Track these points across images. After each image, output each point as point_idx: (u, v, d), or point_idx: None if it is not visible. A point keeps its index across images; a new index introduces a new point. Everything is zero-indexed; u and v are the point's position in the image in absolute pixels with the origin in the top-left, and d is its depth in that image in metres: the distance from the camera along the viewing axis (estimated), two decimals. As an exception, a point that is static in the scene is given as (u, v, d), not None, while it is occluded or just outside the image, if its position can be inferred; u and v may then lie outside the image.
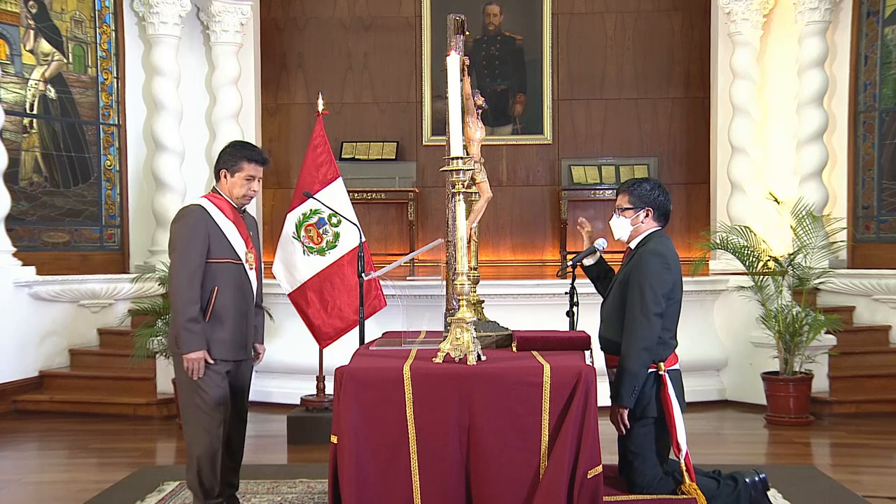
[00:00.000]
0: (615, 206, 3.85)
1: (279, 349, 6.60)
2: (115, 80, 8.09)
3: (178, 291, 3.70)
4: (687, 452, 3.62)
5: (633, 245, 3.80)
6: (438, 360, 3.21)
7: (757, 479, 3.76)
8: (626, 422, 3.62)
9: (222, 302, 3.77)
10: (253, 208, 8.53)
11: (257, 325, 4.09)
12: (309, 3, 9.43)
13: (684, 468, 3.61)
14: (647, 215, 3.79)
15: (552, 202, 9.26)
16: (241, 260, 3.85)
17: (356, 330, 5.38)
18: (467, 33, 3.94)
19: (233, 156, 3.84)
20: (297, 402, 6.11)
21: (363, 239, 5.48)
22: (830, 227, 7.08)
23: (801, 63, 7.64)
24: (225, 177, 3.85)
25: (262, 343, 4.19)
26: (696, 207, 9.11)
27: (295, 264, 5.86)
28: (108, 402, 6.78)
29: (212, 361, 3.75)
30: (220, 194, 3.87)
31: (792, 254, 6.63)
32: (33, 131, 7.45)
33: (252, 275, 3.92)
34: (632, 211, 3.78)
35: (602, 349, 3.81)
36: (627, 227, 3.81)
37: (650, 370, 3.61)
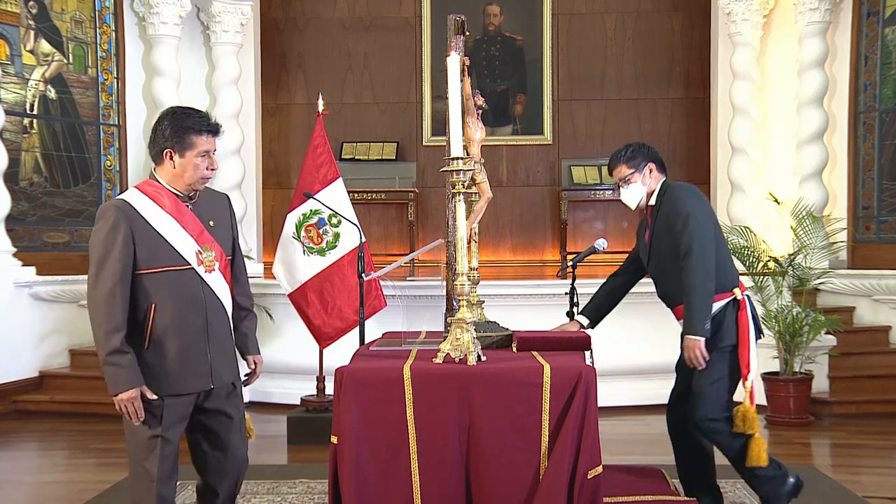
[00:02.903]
0: (616, 184, 3.89)
1: (279, 349, 6.60)
2: (115, 80, 8.09)
3: (93, 320, 2.94)
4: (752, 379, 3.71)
5: (652, 202, 3.84)
6: (438, 360, 3.21)
7: (796, 480, 3.84)
8: (705, 352, 3.62)
9: (163, 322, 2.96)
10: (253, 208, 8.56)
11: (246, 333, 3.29)
12: (309, 3, 9.43)
13: (748, 393, 3.69)
14: (650, 171, 3.83)
15: (552, 202, 9.26)
16: (187, 264, 3.00)
17: (356, 330, 5.38)
18: (467, 34, 3.94)
19: (177, 130, 3.02)
20: (297, 402, 6.11)
21: (363, 239, 5.49)
22: (830, 228, 7.08)
23: (801, 63, 7.64)
24: (170, 158, 3.02)
25: (258, 352, 3.34)
26: (697, 208, 9.10)
27: (295, 264, 5.86)
28: (108, 403, 6.63)
29: (153, 397, 2.97)
30: (157, 181, 3.05)
31: (792, 254, 6.63)
32: (33, 131, 7.45)
33: (213, 278, 3.07)
34: (636, 174, 3.81)
35: (668, 306, 3.87)
36: (640, 190, 3.83)
37: (727, 298, 3.69)
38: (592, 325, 4.02)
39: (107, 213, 2.95)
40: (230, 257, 3.20)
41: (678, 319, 3.80)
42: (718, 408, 3.68)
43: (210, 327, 3.06)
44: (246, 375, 3.31)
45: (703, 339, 3.59)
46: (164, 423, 2.99)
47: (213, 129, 3.07)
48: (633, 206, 3.87)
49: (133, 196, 3.01)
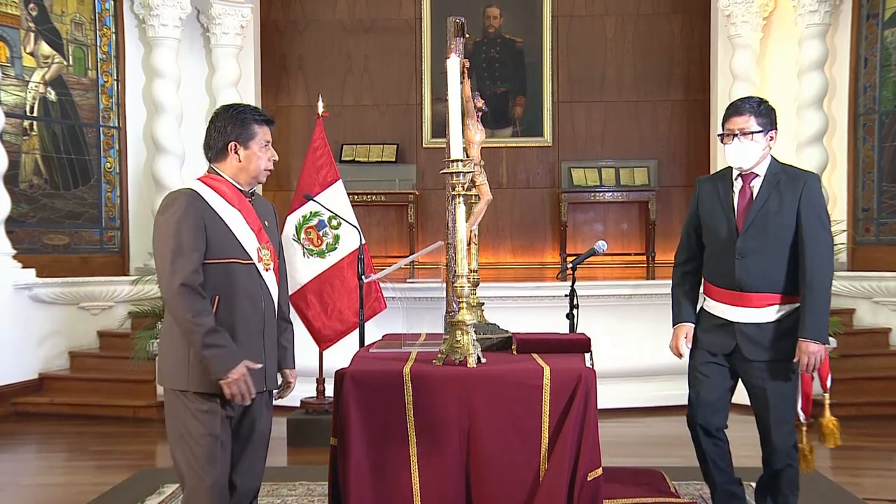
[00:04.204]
0: (731, 131, 3.40)
1: (279, 351, 6.59)
2: (115, 82, 8.09)
3: (177, 309, 2.78)
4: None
5: (759, 171, 3.44)
6: (438, 362, 3.21)
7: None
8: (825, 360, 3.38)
9: (226, 315, 2.88)
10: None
11: (285, 345, 3.18)
12: (309, 5, 9.44)
13: (828, 404, 3.55)
14: (772, 139, 3.45)
15: (552, 204, 9.26)
16: (250, 259, 2.95)
17: (356, 332, 5.38)
18: (467, 36, 3.94)
19: (240, 122, 2.99)
20: (297, 404, 6.10)
21: (363, 241, 5.49)
22: (830, 230, 7.07)
23: (800, 65, 7.64)
24: (236, 151, 2.99)
25: (294, 366, 3.22)
26: (696, 210, 9.10)
27: (295, 266, 5.86)
28: (107, 405, 6.77)
29: (258, 366, 2.89)
30: (219, 175, 3.02)
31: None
32: (33, 133, 7.46)
33: (269, 278, 3.03)
34: (761, 135, 3.40)
35: (738, 288, 3.43)
36: (757, 152, 3.41)
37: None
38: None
39: (177, 201, 2.90)
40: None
41: (739, 306, 3.44)
42: (793, 427, 3.46)
43: (266, 327, 3.03)
44: (278, 388, 3.19)
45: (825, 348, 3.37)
46: (222, 425, 2.89)
47: (270, 120, 3.07)
48: (740, 164, 3.42)
49: (199, 186, 2.97)
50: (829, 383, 3.56)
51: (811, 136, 7.55)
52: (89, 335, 7.49)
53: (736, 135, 3.40)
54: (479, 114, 3.88)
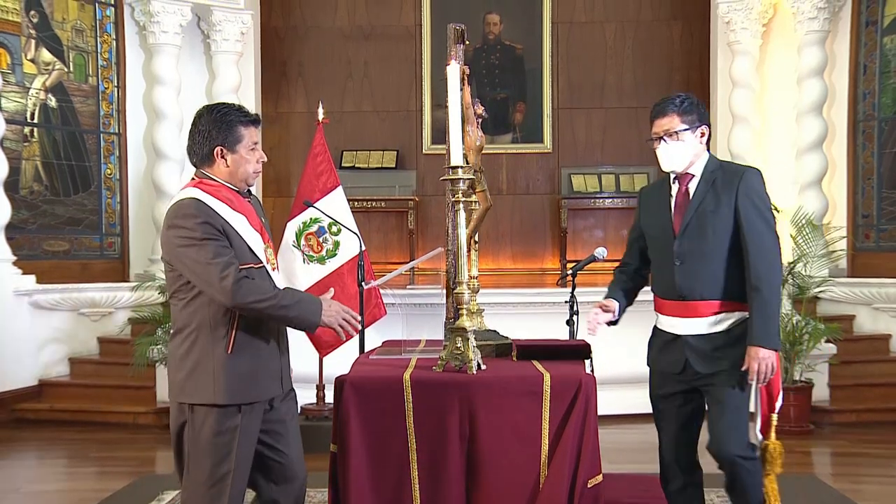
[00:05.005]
0: (657, 135, 3.24)
1: (279, 358, 6.59)
2: (115, 88, 8.10)
3: (247, 299, 2.71)
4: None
5: (695, 172, 3.23)
6: (438, 368, 3.21)
7: None
8: (776, 368, 3.11)
9: (249, 323, 2.81)
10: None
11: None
12: (309, 12, 9.46)
13: (774, 423, 3.31)
14: (703, 135, 3.24)
15: (552, 211, 9.27)
16: (261, 262, 2.87)
17: (356, 338, 5.38)
18: (467, 42, 3.95)
19: (225, 125, 2.84)
20: (297, 410, 6.09)
21: (363, 247, 5.49)
22: (830, 236, 7.08)
23: (800, 72, 7.65)
24: (222, 157, 2.84)
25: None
26: (696, 216, 9.11)
27: (294, 273, 5.86)
28: (107, 411, 6.77)
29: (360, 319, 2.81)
30: (213, 180, 2.86)
31: (792, 262, 6.63)
32: (34, 140, 7.46)
33: (277, 278, 2.95)
34: (688, 133, 3.20)
35: (680, 297, 3.22)
36: (687, 152, 3.20)
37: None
38: (621, 317, 3.47)
39: (191, 208, 2.75)
40: None
41: (682, 317, 3.23)
42: (748, 441, 3.19)
43: (282, 328, 2.97)
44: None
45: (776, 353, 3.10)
46: (238, 452, 2.78)
47: (256, 120, 2.94)
48: (671, 167, 3.23)
49: (199, 194, 2.79)
50: (778, 403, 3.30)
51: (811, 142, 7.56)
52: (89, 341, 7.49)
53: (662, 137, 3.23)
54: (479, 120, 3.88)
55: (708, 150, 3.27)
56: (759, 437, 3.30)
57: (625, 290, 3.50)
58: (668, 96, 3.27)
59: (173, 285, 2.84)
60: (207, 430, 2.76)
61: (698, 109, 3.23)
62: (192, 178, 2.90)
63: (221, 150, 2.84)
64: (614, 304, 3.41)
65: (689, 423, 3.32)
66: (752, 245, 3.08)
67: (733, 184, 3.13)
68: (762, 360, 3.06)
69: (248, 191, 2.97)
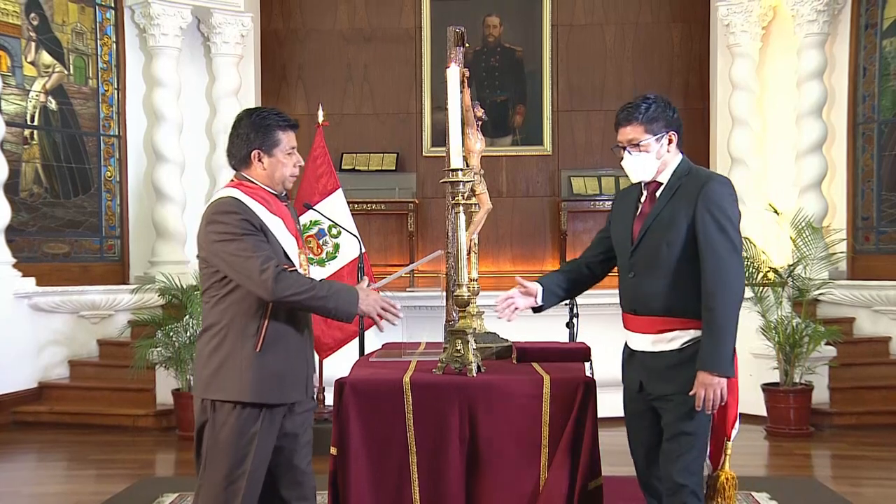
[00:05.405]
0: (621, 145, 3.02)
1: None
2: (115, 91, 8.11)
3: (287, 292, 2.70)
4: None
5: (662, 179, 3.03)
6: (438, 371, 3.21)
7: None
8: (725, 396, 2.86)
9: (278, 322, 2.81)
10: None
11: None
12: (309, 14, 9.46)
13: (729, 452, 3.04)
14: (670, 142, 3.01)
15: (552, 213, 9.27)
16: (294, 266, 2.86)
17: (356, 341, 5.38)
18: (467, 45, 3.95)
19: (263, 129, 2.88)
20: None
21: (363, 250, 5.49)
22: (830, 239, 7.08)
23: (799, 75, 7.66)
24: (259, 159, 2.87)
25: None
26: (696, 218, 9.11)
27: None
28: (107, 414, 6.76)
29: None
30: (252, 182, 2.89)
31: (792, 265, 6.63)
32: (34, 142, 7.46)
33: None
34: (653, 142, 2.97)
35: (636, 312, 3.03)
36: (653, 163, 2.99)
37: None
38: (546, 302, 3.24)
39: (230, 206, 2.77)
40: None
41: (635, 331, 3.04)
42: (696, 471, 2.93)
43: (309, 334, 2.98)
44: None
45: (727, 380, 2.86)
46: (255, 455, 2.76)
47: (294, 125, 2.97)
48: (637, 178, 3.03)
49: (238, 194, 2.82)
50: (734, 431, 3.03)
51: (810, 145, 7.56)
52: (89, 344, 7.49)
53: (626, 148, 3.00)
54: (479, 123, 3.88)
55: (682, 152, 3.08)
56: (709, 465, 3.04)
57: (564, 279, 3.29)
58: (633, 102, 3.01)
59: (207, 282, 2.84)
60: (228, 430, 2.75)
61: (665, 114, 2.99)
62: (231, 180, 2.93)
63: (259, 152, 2.88)
64: (535, 287, 3.19)
65: (659, 442, 3.01)
66: (707, 261, 2.85)
67: (693, 194, 2.92)
68: (708, 386, 2.82)
69: (286, 195, 2.98)
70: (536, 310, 3.25)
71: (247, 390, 2.74)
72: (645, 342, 3.00)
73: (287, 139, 2.92)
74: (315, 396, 3.06)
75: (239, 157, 2.91)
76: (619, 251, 3.13)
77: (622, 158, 3.03)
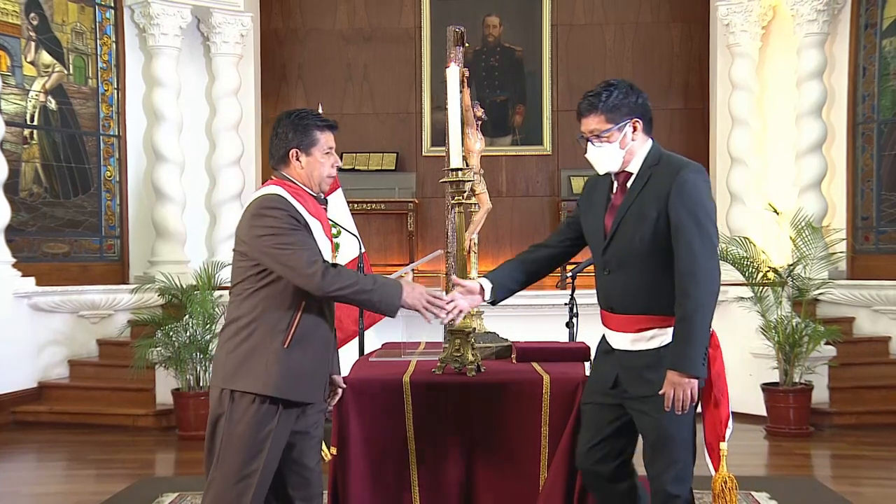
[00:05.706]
0: (584, 136, 2.90)
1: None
2: (115, 91, 8.11)
3: (336, 288, 2.72)
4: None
5: (632, 169, 2.90)
6: (438, 371, 3.21)
7: None
8: (696, 398, 2.74)
9: (308, 321, 2.81)
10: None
11: (336, 350, 3.09)
12: (309, 14, 9.46)
13: (725, 454, 2.90)
14: (634, 129, 2.86)
15: (552, 213, 9.26)
16: None
17: (356, 341, 5.37)
18: (467, 45, 3.96)
19: (301, 129, 2.89)
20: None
21: (363, 250, 5.49)
22: (830, 238, 7.08)
23: (799, 74, 7.66)
24: (297, 158, 2.88)
25: (340, 373, 3.09)
26: (696, 218, 9.11)
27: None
28: (107, 413, 6.76)
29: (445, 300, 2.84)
30: (293, 182, 2.89)
31: (791, 265, 6.63)
32: (34, 142, 7.46)
33: None
34: (615, 131, 2.84)
35: (611, 310, 2.93)
36: (617, 153, 2.85)
37: None
38: (497, 297, 3.09)
39: (277, 202, 2.78)
40: None
41: (613, 330, 2.92)
42: (687, 478, 2.83)
43: (332, 337, 2.98)
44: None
45: (697, 381, 2.72)
46: (269, 452, 2.73)
47: (333, 126, 2.98)
48: (604, 170, 2.91)
49: (282, 192, 2.83)
50: (728, 431, 2.89)
51: (810, 144, 7.56)
52: (89, 344, 7.48)
53: (588, 139, 2.89)
54: (479, 122, 3.89)
55: (652, 138, 2.92)
56: (711, 467, 2.94)
57: (520, 271, 3.15)
58: (594, 90, 2.89)
59: (241, 275, 2.83)
60: (244, 425, 2.72)
61: (627, 101, 2.84)
62: (271, 178, 2.95)
63: (297, 151, 2.89)
64: (474, 286, 3.06)
65: (613, 436, 2.92)
66: (681, 255, 2.72)
67: (666, 183, 2.78)
68: (678, 386, 2.69)
69: (325, 199, 2.99)
70: (492, 303, 3.11)
71: (271, 384, 2.71)
72: (624, 341, 2.88)
73: (325, 139, 2.93)
74: (332, 392, 3.03)
75: (278, 156, 2.92)
76: (592, 247, 3.01)
77: (586, 150, 2.92)
